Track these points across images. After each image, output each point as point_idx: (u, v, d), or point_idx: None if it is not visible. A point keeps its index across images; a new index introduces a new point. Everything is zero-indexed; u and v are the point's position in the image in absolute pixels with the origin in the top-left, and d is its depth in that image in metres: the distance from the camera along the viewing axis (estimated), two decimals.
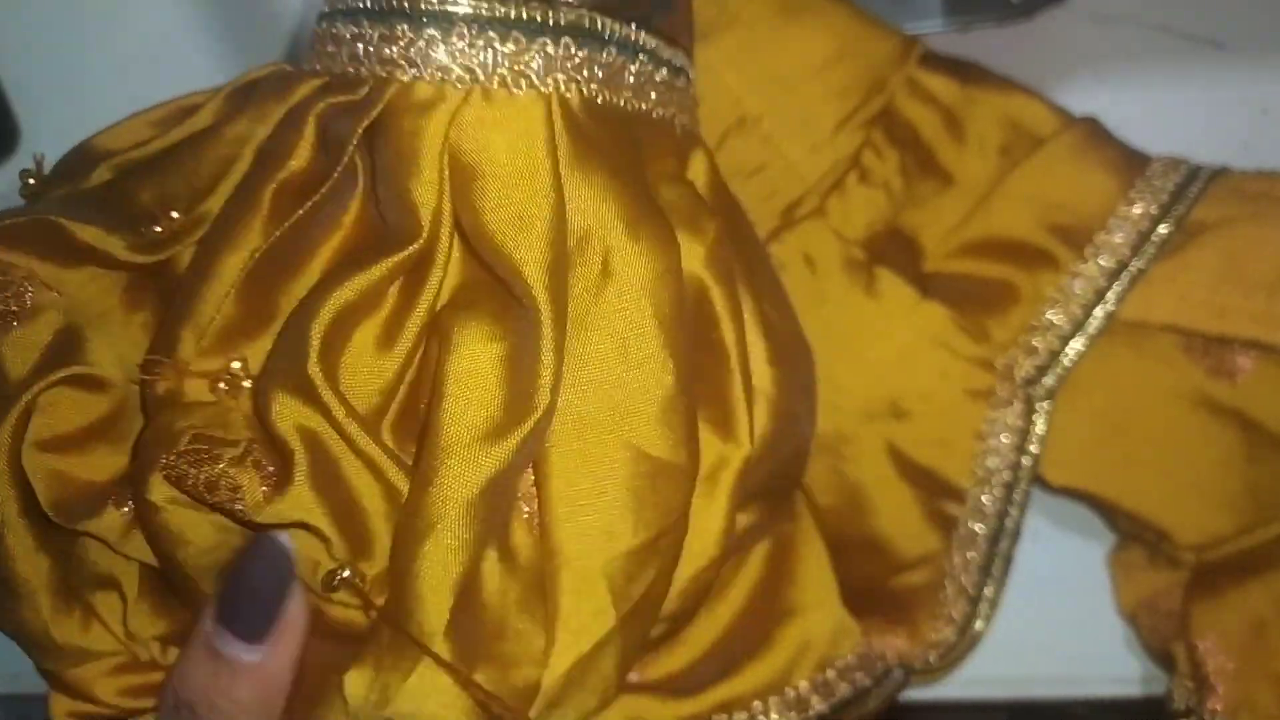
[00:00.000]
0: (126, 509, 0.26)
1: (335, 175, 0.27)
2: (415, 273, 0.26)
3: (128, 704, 0.28)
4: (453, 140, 0.26)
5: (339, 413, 0.25)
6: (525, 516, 0.27)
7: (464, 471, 0.25)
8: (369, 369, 0.26)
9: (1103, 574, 0.42)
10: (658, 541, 0.27)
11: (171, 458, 0.24)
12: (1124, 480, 0.38)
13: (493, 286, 0.27)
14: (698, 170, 0.31)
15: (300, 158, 0.27)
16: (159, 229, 0.27)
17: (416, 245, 0.26)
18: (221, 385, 0.26)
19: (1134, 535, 0.40)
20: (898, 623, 0.38)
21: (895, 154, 0.39)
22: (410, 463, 0.26)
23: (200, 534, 0.25)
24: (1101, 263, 0.37)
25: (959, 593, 0.38)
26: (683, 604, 0.29)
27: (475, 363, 0.25)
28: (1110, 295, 0.37)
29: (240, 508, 0.24)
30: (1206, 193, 0.37)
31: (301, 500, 0.24)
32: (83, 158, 0.30)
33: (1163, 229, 0.37)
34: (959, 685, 0.40)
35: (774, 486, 0.33)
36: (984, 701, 0.42)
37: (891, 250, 0.39)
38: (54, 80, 0.46)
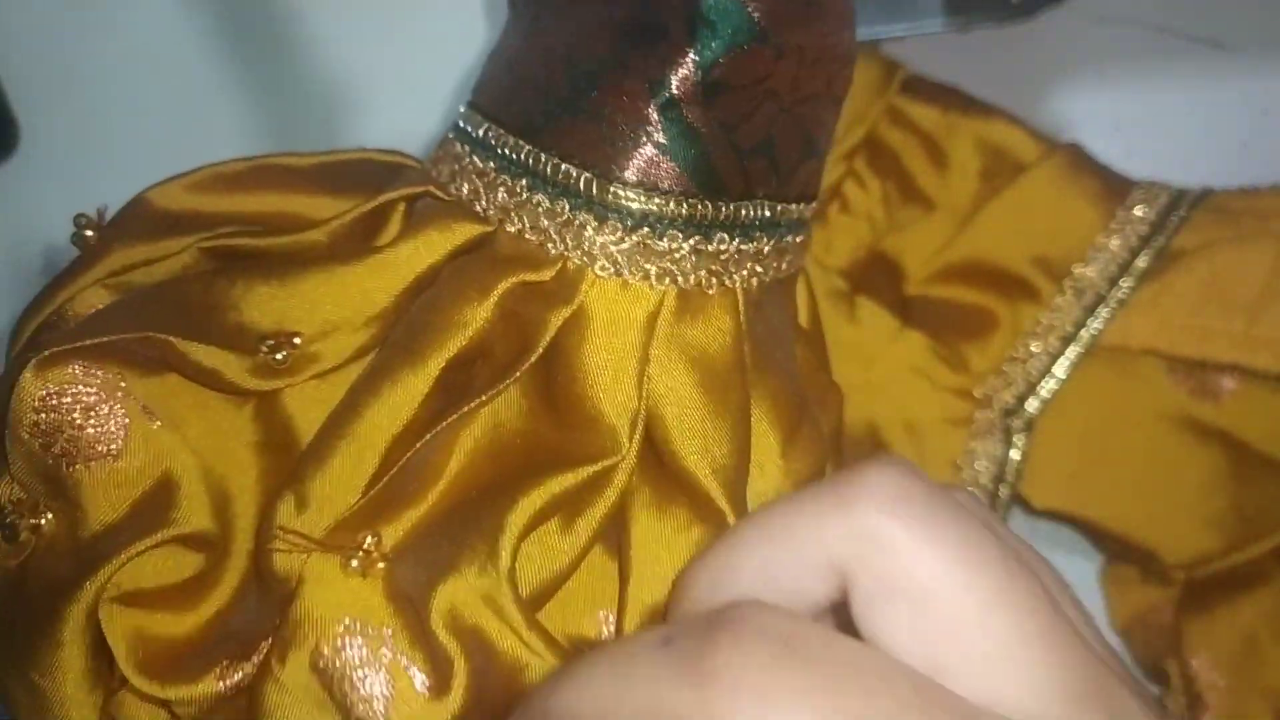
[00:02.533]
0: (225, 684, 0.24)
1: (518, 373, 0.25)
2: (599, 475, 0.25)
3: None
4: (652, 355, 0.25)
5: (515, 616, 0.23)
6: None
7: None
8: (547, 551, 0.24)
9: (1095, 586, 0.42)
10: None
11: (321, 642, 0.22)
12: (1109, 502, 0.39)
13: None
14: (802, 296, 0.30)
15: (477, 333, 0.25)
16: (281, 355, 0.24)
17: (618, 460, 0.24)
18: (354, 564, 0.23)
19: (1122, 557, 0.41)
20: None
21: (878, 183, 0.39)
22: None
23: None
24: (1080, 296, 0.37)
25: None
26: None
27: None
28: (1089, 327, 0.37)
29: (388, 711, 0.22)
30: (1188, 221, 0.37)
31: (454, 709, 0.23)
32: (147, 215, 0.27)
33: (1141, 261, 0.37)
34: None
35: None
36: None
37: (874, 274, 0.39)
38: (54, 80, 0.46)
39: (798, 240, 0.28)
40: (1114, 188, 0.38)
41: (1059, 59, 0.43)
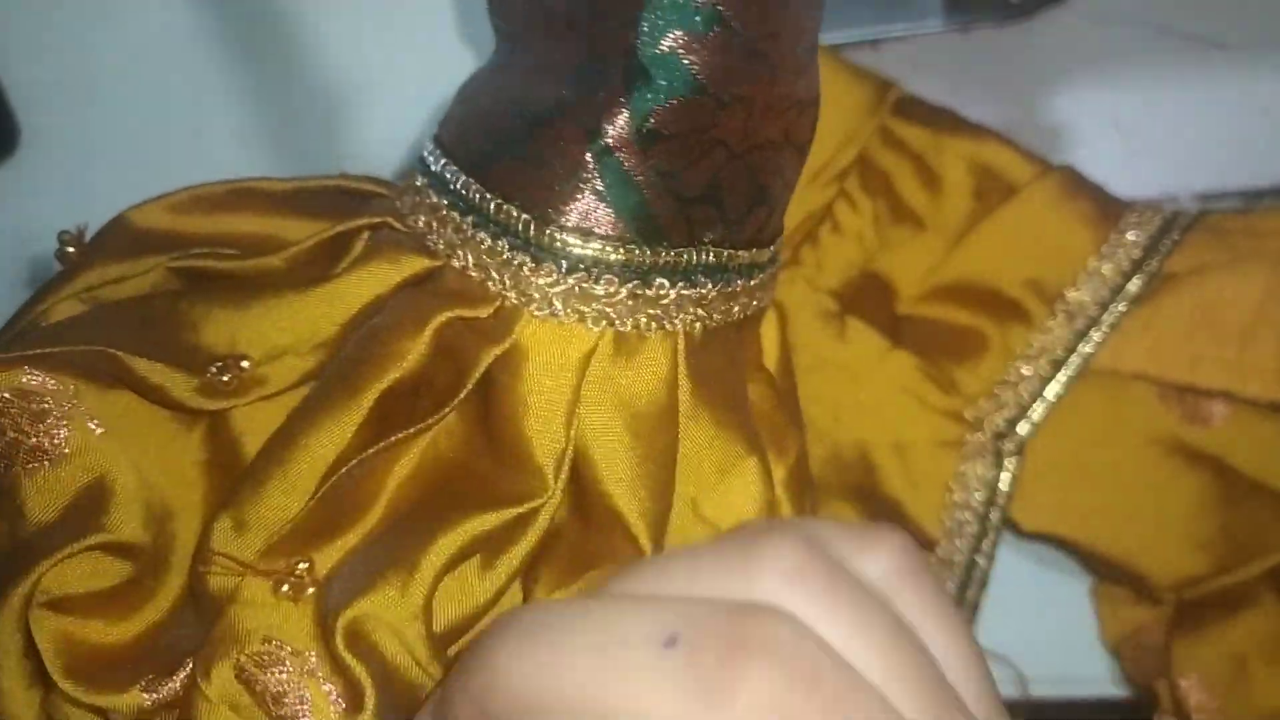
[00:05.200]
0: (151, 698, 0.24)
1: (450, 408, 0.25)
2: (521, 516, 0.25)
3: None
4: (582, 393, 0.25)
5: (422, 654, 0.24)
6: None
7: None
8: (465, 590, 0.25)
9: (1087, 605, 0.42)
10: None
11: (243, 657, 0.23)
12: (1098, 525, 0.39)
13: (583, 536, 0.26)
14: (769, 337, 0.30)
15: (411, 365, 0.25)
16: (227, 379, 0.25)
17: (543, 501, 0.25)
18: (285, 588, 0.24)
19: (1112, 578, 0.41)
20: None
21: (869, 203, 0.39)
22: None
23: None
24: (1072, 319, 0.37)
25: None
26: None
27: None
28: (1080, 351, 0.37)
29: None
30: (1180, 244, 0.37)
31: None
32: (126, 234, 0.28)
33: (1133, 285, 0.37)
34: None
35: None
36: None
37: (866, 293, 0.39)
38: (54, 80, 0.46)
39: (751, 284, 0.28)
40: (1107, 210, 0.38)
41: (1059, 59, 0.43)
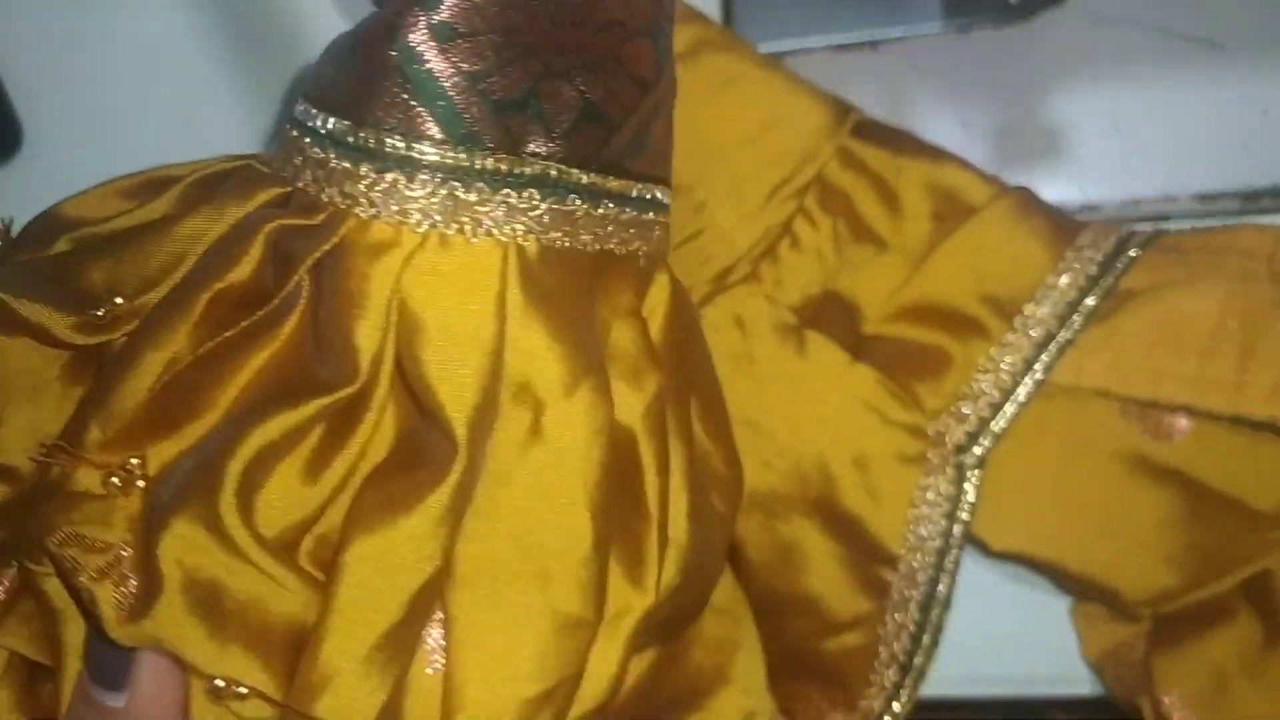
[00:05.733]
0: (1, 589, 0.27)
1: (276, 300, 0.27)
2: (346, 412, 0.26)
3: None
4: (403, 286, 0.26)
5: (249, 549, 0.25)
6: (434, 670, 0.27)
7: (358, 631, 0.25)
8: (290, 499, 0.26)
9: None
10: (554, 690, 0.27)
11: (52, 545, 0.25)
12: (1066, 543, 0.39)
13: (419, 437, 0.27)
14: (658, 299, 0.31)
15: (242, 271, 0.27)
16: (101, 312, 0.27)
17: (351, 389, 0.26)
18: (114, 480, 0.25)
19: (1085, 596, 0.41)
20: (834, 688, 0.39)
21: (829, 222, 0.40)
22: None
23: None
24: (1030, 333, 0.37)
25: (891, 659, 0.39)
26: None
27: (382, 544, 0.25)
28: (1039, 365, 0.37)
29: (96, 618, 0.25)
30: (1138, 261, 0.37)
31: (158, 631, 0.25)
32: (49, 225, 0.30)
33: (1090, 300, 0.37)
34: (953, 684, 0.41)
35: (668, 629, 0.33)
36: (977, 700, 0.42)
37: (829, 314, 0.40)
38: (57, 81, 0.46)
39: (599, 212, 0.29)
40: (1063, 229, 0.38)
41: (1057, 59, 0.43)
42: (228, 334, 0.26)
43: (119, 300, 0.27)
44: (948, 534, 0.38)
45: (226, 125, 0.47)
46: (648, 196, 0.30)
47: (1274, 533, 0.37)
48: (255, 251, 0.27)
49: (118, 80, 0.46)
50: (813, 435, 0.38)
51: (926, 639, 0.38)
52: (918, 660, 0.38)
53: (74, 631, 0.27)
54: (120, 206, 0.30)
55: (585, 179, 0.28)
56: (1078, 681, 0.42)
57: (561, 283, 0.28)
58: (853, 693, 0.39)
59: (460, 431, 0.26)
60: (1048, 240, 0.38)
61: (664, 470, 0.29)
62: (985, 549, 0.39)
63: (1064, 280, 0.37)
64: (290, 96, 0.46)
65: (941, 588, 0.38)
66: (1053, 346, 0.37)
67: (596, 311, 0.29)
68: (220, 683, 0.25)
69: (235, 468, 0.25)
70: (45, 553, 0.25)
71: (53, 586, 0.26)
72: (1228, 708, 0.37)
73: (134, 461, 0.26)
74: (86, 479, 0.26)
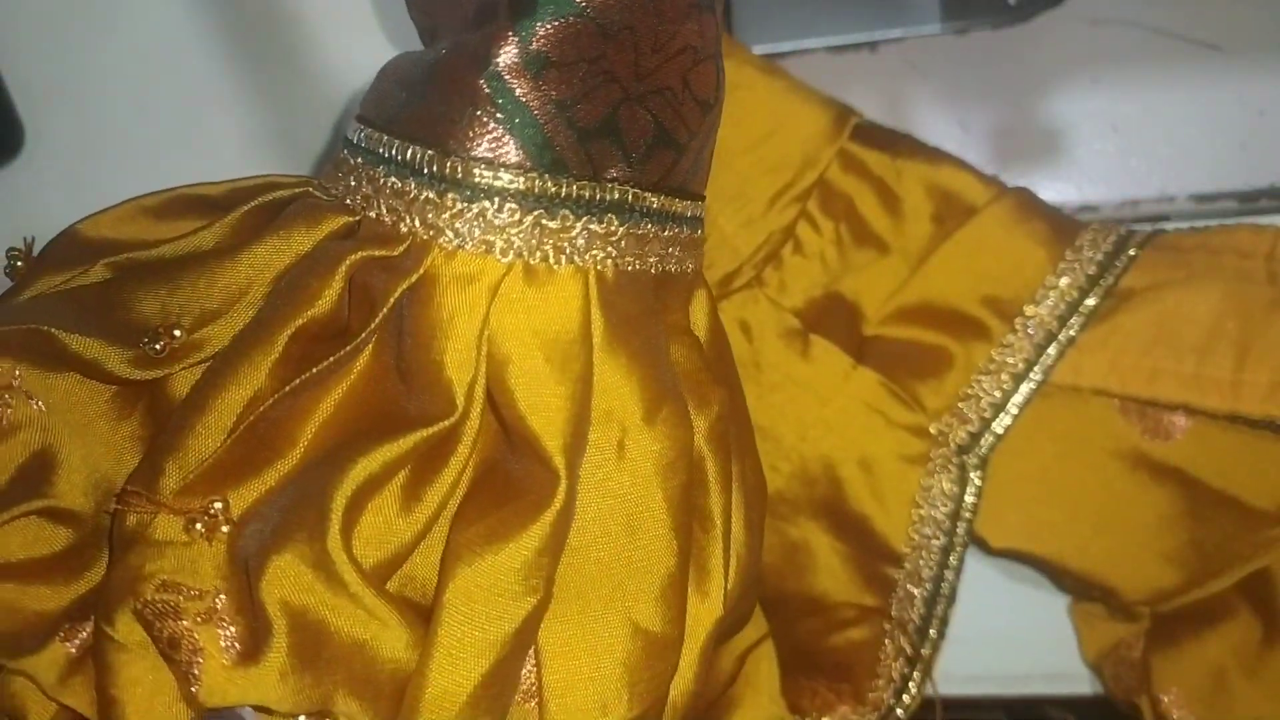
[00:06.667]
0: (73, 646, 0.26)
1: (363, 336, 0.26)
2: (438, 445, 0.26)
3: None
4: (492, 317, 0.26)
5: (354, 585, 0.24)
6: (531, 705, 0.27)
7: (462, 669, 0.24)
8: (385, 533, 0.25)
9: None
10: (647, 713, 0.27)
11: (140, 604, 0.24)
12: (1066, 541, 0.39)
13: (510, 469, 0.26)
14: (699, 312, 0.31)
15: (324, 306, 0.26)
16: (159, 346, 0.26)
17: (449, 421, 0.25)
18: (198, 526, 0.24)
19: (1084, 594, 0.41)
20: (841, 681, 0.39)
21: (831, 225, 0.40)
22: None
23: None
24: (1031, 333, 0.38)
25: (898, 652, 0.39)
26: None
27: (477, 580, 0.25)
28: (1040, 364, 0.38)
29: (197, 672, 0.24)
30: (1137, 260, 0.38)
31: (266, 678, 0.24)
32: (73, 247, 0.29)
33: (1090, 300, 0.37)
34: (957, 683, 0.41)
35: (722, 639, 0.33)
36: (981, 699, 0.42)
37: (832, 315, 0.40)
38: (59, 82, 0.47)
39: (664, 234, 0.29)
40: (1062, 229, 0.39)
41: (1056, 61, 0.43)
42: (316, 371, 0.25)
43: (177, 333, 0.26)
44: (951, 532, 0.38)
45: (226, 126, 0.47)
46: (698, 215, 0.30)
47: (1272, 531, 0.37)
48: (337, 285, 0.26)
49: (119, 82, 0.46)
50: (818, 438, 0.39)
51: (933, 632, 0.39)
52: (925, 652, 0.39)
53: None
54: (148, 227, 0.29)
55: (657, 202, 0.28)
56: (1077, 680, 0.42)
57: (635, 305, 0.28)
58: (860, 685, 0.39)
59: (559, 460, 0.25)
60: (1047, 241, 0.38)
61: (727, 486, 0.29)
62: (985, 547, 0.40)
63: (1064, 281, 0.38)
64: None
65: (945, 585, 0.39)
66: (1053, 347, 0.37)
67: (663, 336, 0.29)
68: None
69: (340, 502, 0.24)
70: (138, 601, 0.24)
71: (121, 661, 0.25)
72: (1226, 706, 0.37)
73: (216, 505, 0.25)
74: (166, 526, 0.25)
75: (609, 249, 0.27)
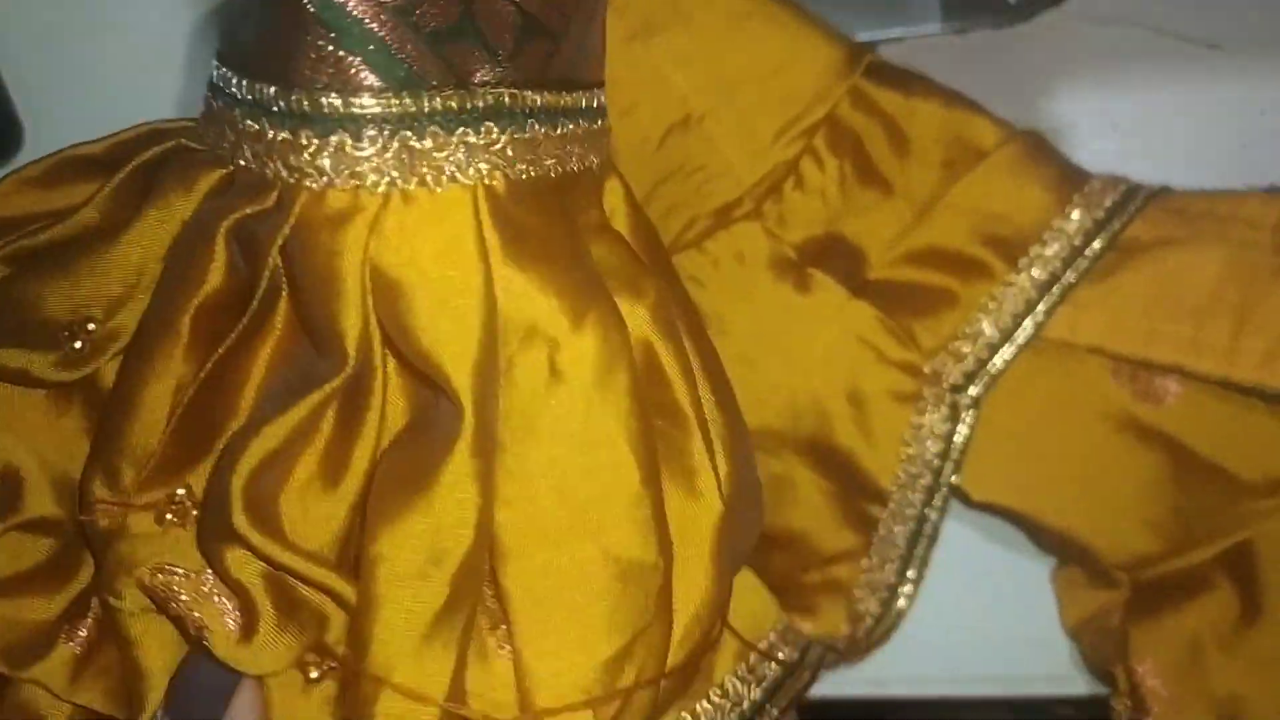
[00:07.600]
0: (77, 645, 0.25)
1: (257, 298, 0.25)
2: (351, 399, 0.25)
3: None
4: (374, 254, 0.24)
5: (280, 554, 0.23)
6: (504, 651, 0.26)
7: (405, 623, 0.24)
8: (315, 508, 0.24)
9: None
10: (632, 645, 0.25)
11: (143, 573, 0.24)
12: (1047, 498, 0.39)
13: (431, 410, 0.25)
14: (615, 203, 0.29)
15: (215, 278, 0.25)
16: (79, 345, 0.26)
17: (343, 376, 0.24)
18: (169, 516, 0.24)
19: (1063, 555, 0.40)
20: (807, 612, 0.38)
21: (835, 162, 0.39)
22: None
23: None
24: (1034, 274, 0.37)
25: (872, 592, 0.38)
26: (685, 662, 0.27)
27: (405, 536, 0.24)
28: (1041, 306, 0.37)
29: (208, 644, 0.24)
30: (1144, 211, 0.37)
31: (268, 649, 0.24)
32: None
33: (1097, 244, 0.37)
34: (961, 684, 0.41)
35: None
36: (987, 699, 0.42)
37: (835, 256, 0.39)
38: (58, 80, 0.46)
39: (559, 133, 0.27)
40: (1071, 175, 0.38)
41: (1056, 60, 0.43)
42: (225, 346, 0.24)
43: (91, 326, 0.26)
44: (939, 471, 0.38)
45: None
46: (596, 105, 0.28)
47: (1255, 503, 0.37)
48: (220, 254, 0.25)
49: (118, 79, 0.46)
50: (808, 371, 0.38)
51: (912, 572, 0.38)
52: (905, 589, 0.38)
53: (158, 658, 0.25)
54: (38, 198, 0.28)
55: (540, 99, 0.26)
56: (1078, 680, 0.42)
57: (537, 215, 0.26)
58: (826, 615, 0.38)
59: (462, 388, 0.24)
60: (1055, 185, 0.38)
61: (688, 372, 0.27)
62: (966, 499, 0.39)
63: (1071, 224, 0.37)
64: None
65: (928, 526, 0.38)
66: (1055, 289, 0.37)
67: (578, 239, 0.27)
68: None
69: (237, 484, 0.23)
70: (140, 586, 0.24)
71: (131, 623, 0.25)
72: (1199, 680, 0.37)
73: (180, 493, 0.24)
74: (139, 523, 0.24)
75: (494, 160, 0.25)
